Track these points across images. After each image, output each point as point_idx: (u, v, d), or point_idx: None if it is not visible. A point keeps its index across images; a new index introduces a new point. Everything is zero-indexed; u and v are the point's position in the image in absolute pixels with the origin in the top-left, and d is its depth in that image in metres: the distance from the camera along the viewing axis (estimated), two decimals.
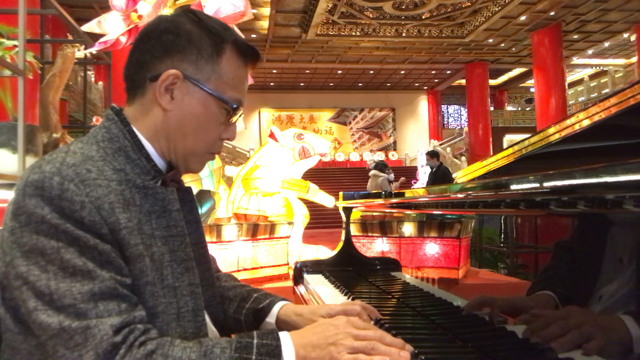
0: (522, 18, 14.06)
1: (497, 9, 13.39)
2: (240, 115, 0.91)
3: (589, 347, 0.73)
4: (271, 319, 0.99)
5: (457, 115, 25.33)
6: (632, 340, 0.67)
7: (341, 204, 2.01)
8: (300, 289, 1.72)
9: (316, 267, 1.88)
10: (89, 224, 0.71)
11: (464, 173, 1.97)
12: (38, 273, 0.68)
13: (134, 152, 0.83)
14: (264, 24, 14.12)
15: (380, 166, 10.37)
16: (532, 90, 19.37)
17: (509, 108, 23.93)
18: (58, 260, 0.68)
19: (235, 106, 0.87)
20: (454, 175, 8.12)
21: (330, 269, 1.86)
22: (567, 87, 15.67)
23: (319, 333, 0.77)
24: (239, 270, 4.79)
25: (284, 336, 0.75)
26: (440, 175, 8.15)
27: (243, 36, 1.00)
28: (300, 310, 0.99)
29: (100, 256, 0.71)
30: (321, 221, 10.85)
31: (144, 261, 0.76)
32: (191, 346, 0.70)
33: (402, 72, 20.56)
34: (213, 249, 4.45)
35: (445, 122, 24.83)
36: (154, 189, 0.83)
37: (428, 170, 8.89)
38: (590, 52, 18.19)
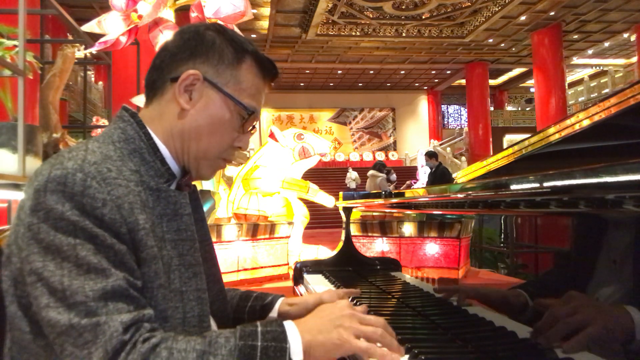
0: (522, 18, 14.06)
1: (497, 9, 13.39)
2: (253, 128, 0.94)
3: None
4: (274, 313, 1.05)
5: (457, 115, 25.33)
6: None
7: (341, 204, 2.01)
8: (300, 289, 1.72)
9: (316, 267, 1.88)
10: (109, 222, 0.71)
11: (464, 173, 1.97)
12: (53, 269, 0.68)
13: (149, 154, 0.84)
14: (264, 24, 14.12)
15: (379, 166, 10.38)
16: (532, 90, 19.36)
17: (509, 108, 23.94)
18: (74, 257, 0.68)
19: (251, 112, 0.89)
20: (454, 175, 8.11)
21: (330, 269, 1.86)
22: (567, 87, 15.67)
23: (323, 317, 0.79)
24: (239, 270, 4.79)
25: (288, 324, 0.75)
26: (439, 176, 8.14)
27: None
28: (292, 301, 1.06)
29: (115, 256, 0.71)
30: (321, 221, 10.85)
31: (158, 263, 0.77)
32: (195, 338, 0.71)
33: (402, 72, 20.55)
34: None
35: (445, 122, 24.83)
36: (166, 192, 0.84)
37: (428, 170, 8.89)
38: (590, 52, 18.19)
